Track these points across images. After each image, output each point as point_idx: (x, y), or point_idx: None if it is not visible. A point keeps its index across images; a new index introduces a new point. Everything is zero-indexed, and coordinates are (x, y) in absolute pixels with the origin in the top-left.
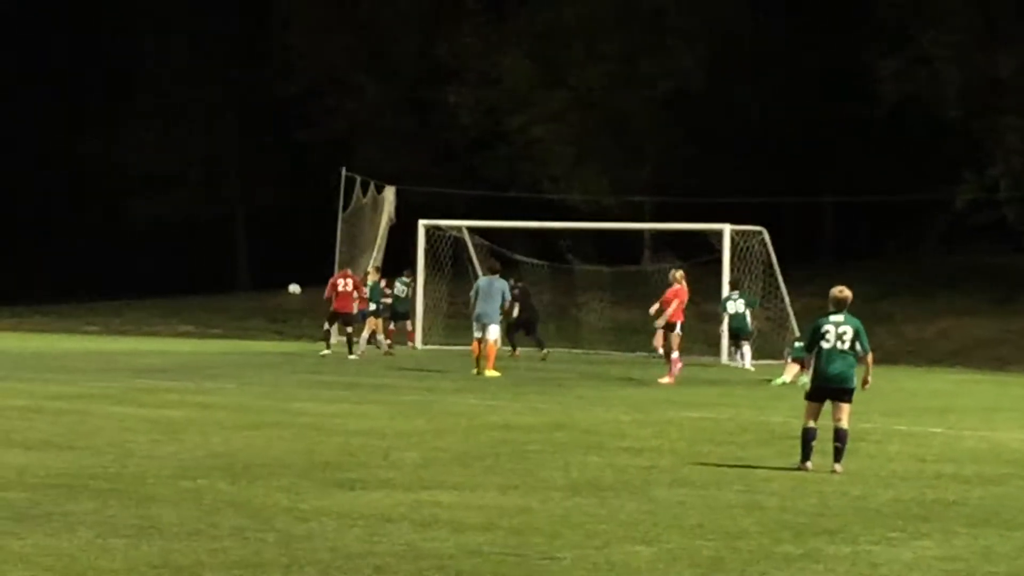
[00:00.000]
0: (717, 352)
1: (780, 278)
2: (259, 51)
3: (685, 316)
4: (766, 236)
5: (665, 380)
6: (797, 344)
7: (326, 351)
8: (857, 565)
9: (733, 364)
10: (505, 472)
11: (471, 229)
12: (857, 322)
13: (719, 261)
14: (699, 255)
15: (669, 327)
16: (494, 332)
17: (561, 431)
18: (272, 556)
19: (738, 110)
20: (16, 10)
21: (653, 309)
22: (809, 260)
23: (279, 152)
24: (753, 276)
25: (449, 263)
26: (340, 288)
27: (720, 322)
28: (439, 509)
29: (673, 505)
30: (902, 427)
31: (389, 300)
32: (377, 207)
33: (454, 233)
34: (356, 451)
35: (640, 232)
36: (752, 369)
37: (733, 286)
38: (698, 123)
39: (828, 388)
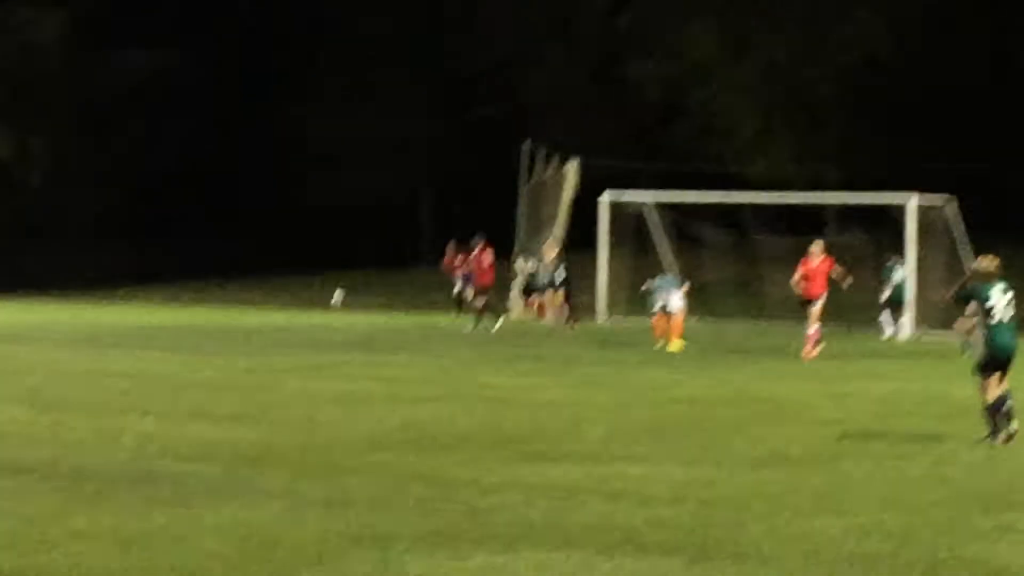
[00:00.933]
0: (900, 324)
1: (967, 250)
2: (446, 26)
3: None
4: (953, 206)
5: (810, 351)
6: None
7: (497, 324)
8: None
9: (889, 333)
10: (691, 445)
11: (654, 202)
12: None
13: (903, 232)
14: (884, 226)
15: (809, 301)
16: (677, 304)
17: (746, 404)
18: (461, 527)
19: (926, 78)
20: None
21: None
22: (997, 231)
23: (464, 126)
24: (938, 246)
25: (632, 236)
26: (485, 263)
27: (884, 291)
28: (626, 482)
29: (861, 477)
30: None
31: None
32: (560, 180)
33: (637, 207)
34: (542, 424)
35: (824, 205)
36: (904, 339)
37: (895, 257)
38: (885, 92)
39: (1002, 360)
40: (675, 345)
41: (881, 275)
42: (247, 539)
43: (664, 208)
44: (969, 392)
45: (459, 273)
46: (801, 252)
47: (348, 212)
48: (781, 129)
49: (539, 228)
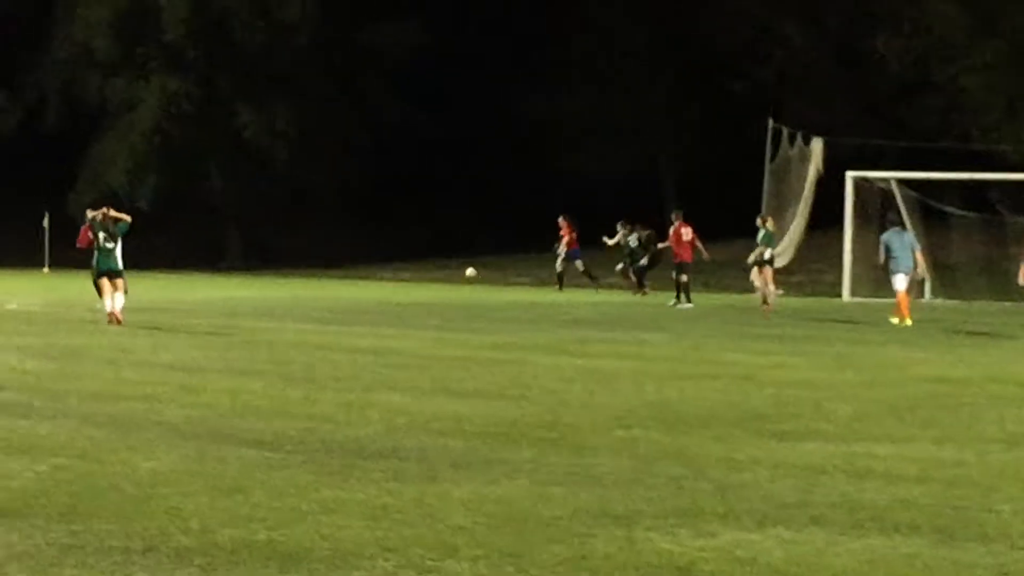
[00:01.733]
0: None
1: None
2: (694, 3)
3: None
4: None
5: None
6: None
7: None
8: None
9: None
10: (939, 424)
11: (899, 181)
12: None
13: None
14: None
15: None
16: (900, 282)
17: (996, 384)
18: (708, 505)
19: None
20: None
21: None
22: None
23: (709, 104)
24: None
25: (877, 215)
26: (684, 238)
27: None
28: (873, 460)
29: None
30: None
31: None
32: (804, 159)
33: (882, 185)
34: (788, 402)
35: None
36: None
37: None
38: None
39: None
40: (895, 320)
41: None
42: (493, 514)
43: (909, 186)
44: None
45: (564, 248)
46: None
47: (592, 190)
48: None
49: (784, 206)
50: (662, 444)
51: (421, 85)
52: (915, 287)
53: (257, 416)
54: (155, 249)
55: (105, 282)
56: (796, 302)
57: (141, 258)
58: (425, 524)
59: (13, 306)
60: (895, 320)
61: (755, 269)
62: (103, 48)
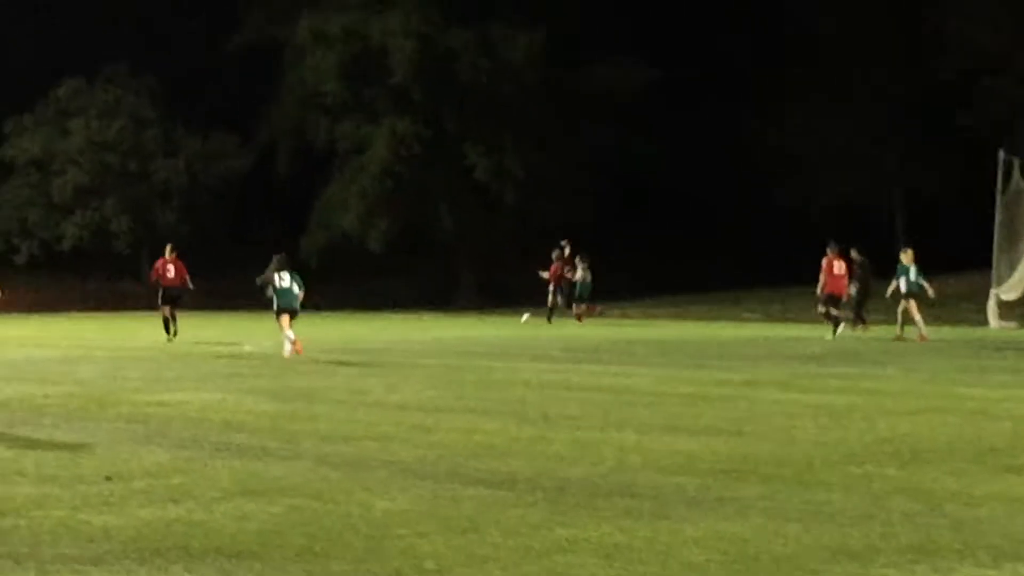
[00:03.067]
0: None
1: None
2: (919, 32)
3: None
4: None
5: None
6: None
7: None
8: None
9: None
10: None
11: None
12: None
13: None
14: None
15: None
16: None
17: None
18: (945, 541)
19: None
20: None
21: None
22: None
23: (936, 133)
24: None
25: None
26: (836, 271)
27: None
28: None
29: None
30: None
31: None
32: None
33: None
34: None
35: None
36: None
37: None
38: None
39: None
40: None
41: None
42: (727, 551)
43: None
44: None
45: (555, 281)
46: None
47: (817, 222)
48: None
49: (1015, 238)
50: (896, 480)
51: (650, 122)
52: None
53: (491, 455)
54: (388, 291)
55: (285, 318)
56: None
57: (373, 300)
58: (659, 562)
59: (248, 348)
60: None
61: (903, 302)
62: (332, 92)
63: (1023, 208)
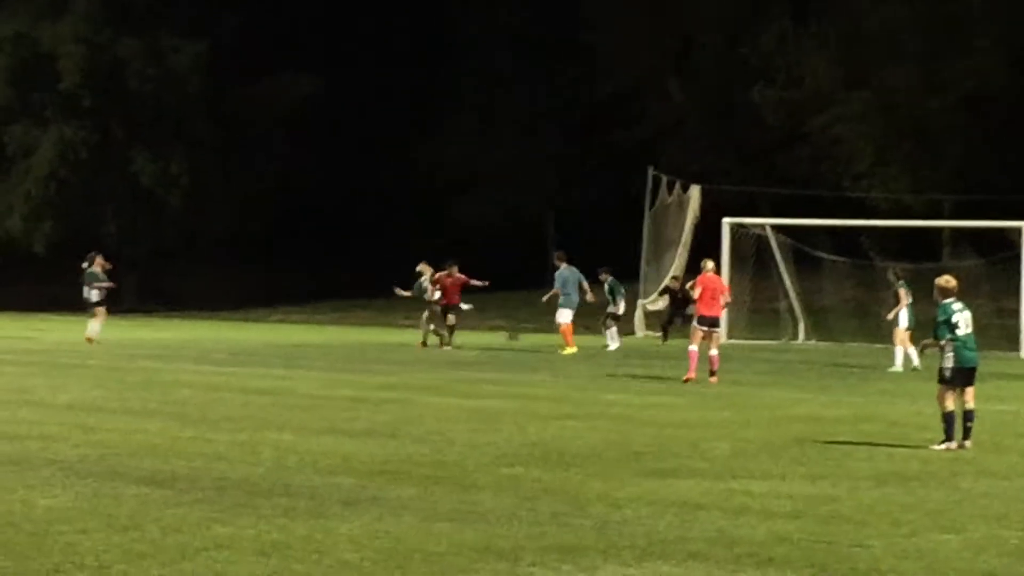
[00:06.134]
0: (1017, 347)
1: None
2: (572, 55)
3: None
4: None
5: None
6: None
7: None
8: None
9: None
10: (812, 462)
11: (774, 227)
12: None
13: (1019, 258)
14: (998, 251)
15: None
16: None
17: (866, 423)
18: (589, 541)
19: None
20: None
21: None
22: None
23: (591, 153)
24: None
25: (752, 260)
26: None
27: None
28: (749, 498)
29: (979, 495)
30: None
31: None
32: (682, 206)
33: (757, 231)
34: (667, 441)
35: (940, 229)
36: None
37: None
38: (999, 123)
39: (966, 372)
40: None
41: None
42: (380, 550)
43: (783, 232)
44: None
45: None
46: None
47: (479, 236)
48: (898, 156)
49: (662, 252)
50: (544, 482)
51: (312, 133)
52: (789, 329)
53: (152, 455)
54: (53, 294)
55: None
56: (676, 343)
57: (39, 302)
58: (313, 560)
59: None
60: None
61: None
62: (0, 95)
63: (669, 223)
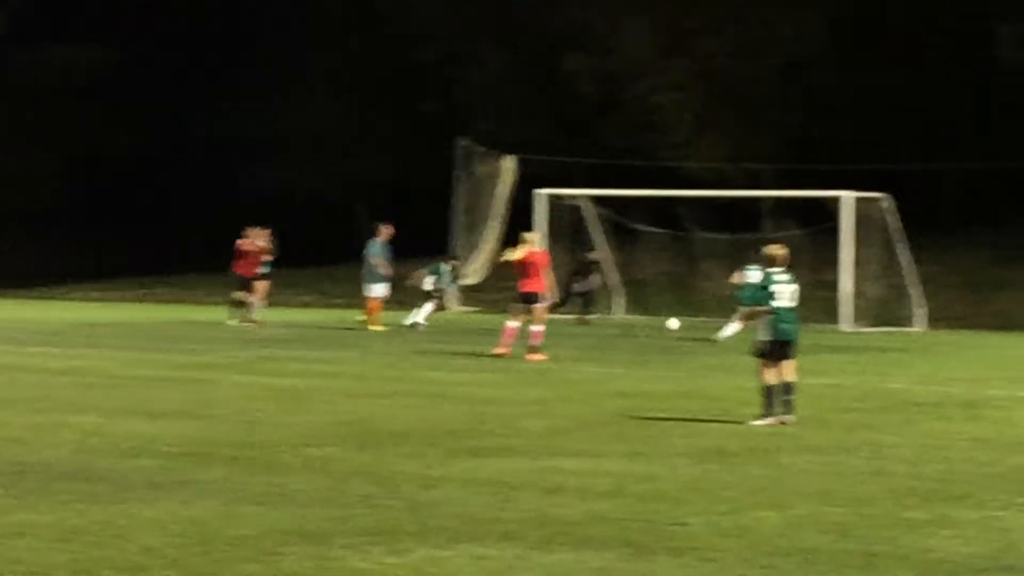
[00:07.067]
0: (836, 320)
1: (903, 245)
2: (381, 19)
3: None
4: (888, 203)
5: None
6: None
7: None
8: (986, 531)
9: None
10: (630, 439)
11: (590, 198)
12: (794, 278)
13: (838, 229)
14: (819, 222)
15: (530, 299)
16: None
17: (685, 398)
18: (401, 522)
19: (860, 77)
20: None
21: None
22: (930, 227)
23: (400, 122)
24: (874, 243)
25: (568, 232)
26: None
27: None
28: (565, 476)
29: (800, 471)
30: None
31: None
32: (497, 177)
33: (573, 202)
34: (481, 419)
35: (760, 200)
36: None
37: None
38: (819, 90)
39: (782, 344)
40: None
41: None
42: (184, 534)
43: (599, 203)
44: (906, 386)
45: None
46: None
47: (283, 208)
48: (717, 125)
49: (476, 224)
50: (355, 462)
51: (107, 103)
52: (606, 303)
53: None
54: None
55: None
56: (492, 319)
57: None
58: (115, 545)
59: None
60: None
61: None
62: None
63: (484, 194)
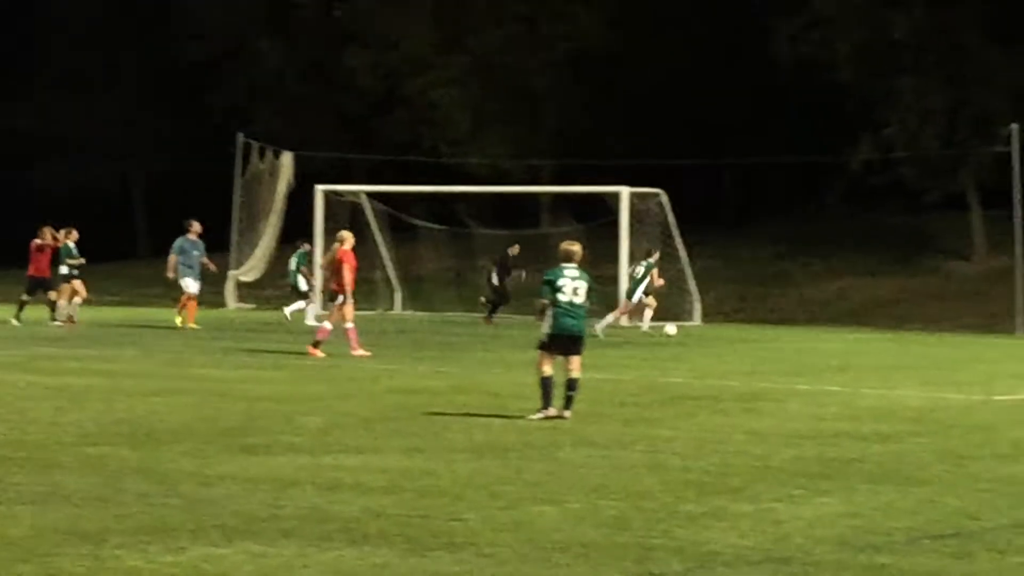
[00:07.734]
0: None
1: (679, 240)
2: (161, 15)
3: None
4: (664, 198)
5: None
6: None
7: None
8: (760, 523)
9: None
10: (409, 435)
11: (369, 194)
12: (589, 277)
13: (616, 223)
14: (598, 217)
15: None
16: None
17: (463, 394)
18: (178, 521)
19: (638, 72)
20: None
21: None
22: (709, 222)
23: (178, 117)
24: (651, 238)
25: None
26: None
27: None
28: (343, 472)
29: (577, 465)
30: (802, 386)
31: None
32: (275, 173)
33: (352, 199)
34: (259, 416)
35: (539, 195)
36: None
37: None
38: (598, 86)
39: (564, 339)
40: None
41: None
42: None
43: (379, 199)
44: (683, 380)
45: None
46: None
47: (62, 202)
48: (496, 121)
49: (255, 219)
50: (132, 461)
51: None
52: (386, 299)
53: None
54: None
55: None
56: (269, 316)
57: None
58: None
59: None
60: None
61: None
62: None
63: (262, 190)
